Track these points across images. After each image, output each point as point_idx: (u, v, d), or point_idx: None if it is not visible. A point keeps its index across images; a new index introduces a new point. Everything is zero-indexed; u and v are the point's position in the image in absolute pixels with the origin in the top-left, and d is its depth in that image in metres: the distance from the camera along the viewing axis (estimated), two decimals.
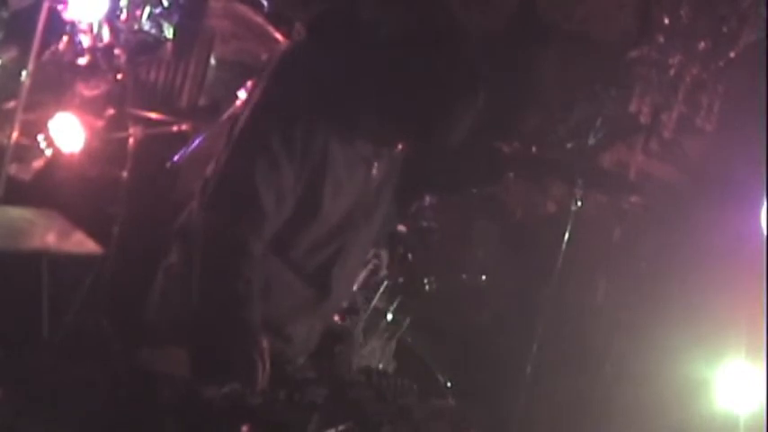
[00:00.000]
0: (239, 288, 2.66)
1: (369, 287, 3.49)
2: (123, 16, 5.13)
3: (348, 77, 2.75)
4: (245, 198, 2.69)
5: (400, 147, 2.95)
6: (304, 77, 2.76)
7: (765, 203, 4.31)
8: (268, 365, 2.63)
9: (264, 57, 5.12)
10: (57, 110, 4.92)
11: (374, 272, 3.38)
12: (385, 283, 4.00)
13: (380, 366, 4.08)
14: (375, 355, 4.12)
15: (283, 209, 2.75)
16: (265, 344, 2.65)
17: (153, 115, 4.97)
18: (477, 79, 2.77)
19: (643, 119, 5.69)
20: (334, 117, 2.74)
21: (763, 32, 4.90)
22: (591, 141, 5.45)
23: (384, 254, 3.38)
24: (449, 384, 4.32)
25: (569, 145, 5.51)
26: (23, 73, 4.77)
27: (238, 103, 4.26)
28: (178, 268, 2.88)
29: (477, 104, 2.77)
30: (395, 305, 4.25)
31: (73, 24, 5.02)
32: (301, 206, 2.78)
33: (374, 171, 2.90)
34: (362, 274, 3.32)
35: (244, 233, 2.68)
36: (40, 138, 4.87)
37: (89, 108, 5.10)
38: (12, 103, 4.87)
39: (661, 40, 5.64)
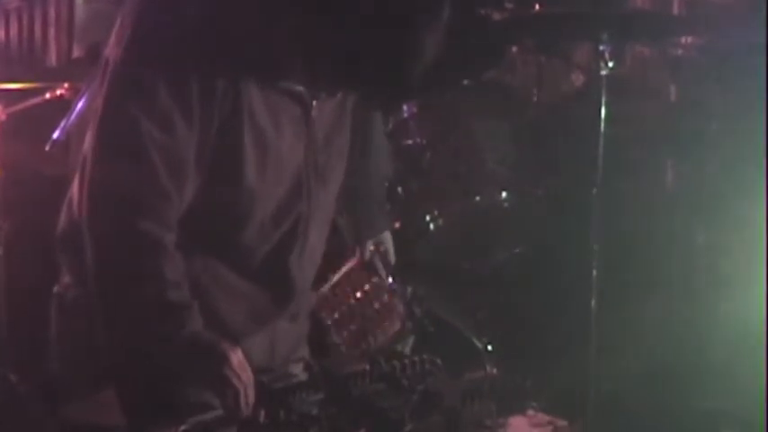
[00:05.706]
0: (169, 295, 2.63)
1: None
2: None
3: None
4: (131, 174, 2.61)
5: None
6: None
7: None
8: (250, 377, 2.64)
9: None
10: None
11: None
12: None
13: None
14: None
15: (187, 187, 2.68)
16: (235, 351, 2.66)
17: (13, 86, 4.95)
18: None
19: None
20: (240, 47, 2.66)
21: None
22: None
23: None
24: (489, 348, 4.30)
25: None
26: None
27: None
28: (73, 290, 2.86)
29: (440, 20, 2.63)
30: None
31: None
32: (218, 179, 2.72)
33: (314, 112, 2.84)
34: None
35: (144, 221, 2.61)
36: None
37: None
38: None
39: None
